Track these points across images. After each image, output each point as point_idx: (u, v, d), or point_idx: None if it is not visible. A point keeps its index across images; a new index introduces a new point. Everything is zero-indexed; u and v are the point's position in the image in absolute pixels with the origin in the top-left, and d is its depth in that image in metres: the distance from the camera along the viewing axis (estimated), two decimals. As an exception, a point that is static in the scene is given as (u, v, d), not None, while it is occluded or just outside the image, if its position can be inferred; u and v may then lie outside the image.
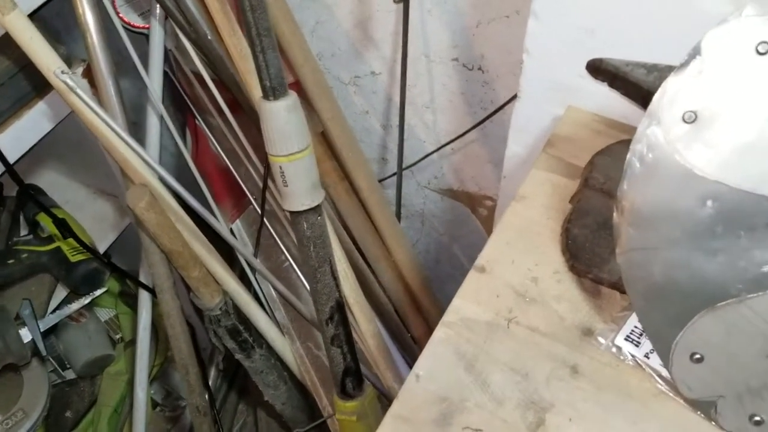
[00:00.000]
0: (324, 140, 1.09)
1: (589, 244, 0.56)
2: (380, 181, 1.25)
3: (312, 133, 1.06)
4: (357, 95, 1.17)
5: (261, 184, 1.06)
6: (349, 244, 1.12)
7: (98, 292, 1.12)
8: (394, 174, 1.18)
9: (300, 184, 0.72)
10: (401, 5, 0.93)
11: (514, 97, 0.74)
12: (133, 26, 0.93)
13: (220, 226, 0.93)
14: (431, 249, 1.41)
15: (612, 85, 0.48)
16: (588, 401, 0.49)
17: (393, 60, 1.06)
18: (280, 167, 0.71)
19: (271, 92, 0.65)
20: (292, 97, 0.66)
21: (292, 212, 0.75)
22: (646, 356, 0.50)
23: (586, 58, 0.51)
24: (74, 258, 1.09)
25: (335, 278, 0.84)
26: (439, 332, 0.53)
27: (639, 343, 0.51)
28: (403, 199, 1.31)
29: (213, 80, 0.97)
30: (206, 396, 1.22)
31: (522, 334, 0.52)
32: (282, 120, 0.67)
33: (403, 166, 1.17)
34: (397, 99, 1.10)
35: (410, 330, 1.25)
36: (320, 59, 1.12)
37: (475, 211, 1.26)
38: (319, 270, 0.83)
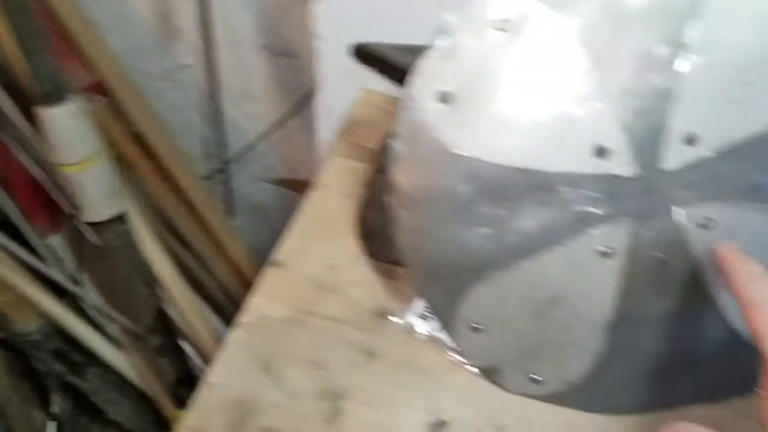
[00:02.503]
0: (138, 141, 1.03)
1: (382, 228, 0.57)
2: (208, 177, 1.21)
3: (123, 135, 1.00)
4: (171, 90, 1.12)
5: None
6: (178, 247, 1.08)
7: None
8: (221, 169, 1.15)
9: (95, 194, 0.68)
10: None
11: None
12: None
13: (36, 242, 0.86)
14: (275, 241, 1.39)
15: (379, 70, 0.48)
16: (384, 383, 0.49)
17: (203, 51, 1.02)
18: (68, 177, 0.66)
19: (47, 98, 0.60)
20: (74, 102, 0.61)
21: (90, 223, 0.70)
22: (437, 330, 0.51)
23: (376, 39, 0.51)
24: None
25: (151, 287, 0.81)
26: (233, 335, 0.51)
27: (429, 318, 0.52)
28: (238, 193, 1.28)
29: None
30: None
31: (320, 325, 0.52)
32: (63, 127, 0.62)
33: (229, 159, 1.14)
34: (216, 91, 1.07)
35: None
36: (125, 56, 1.05)
37: (310, 199, 1.25)
38: (132, 280, 0.79)
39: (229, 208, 1.20)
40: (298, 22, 0.92)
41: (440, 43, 0.42)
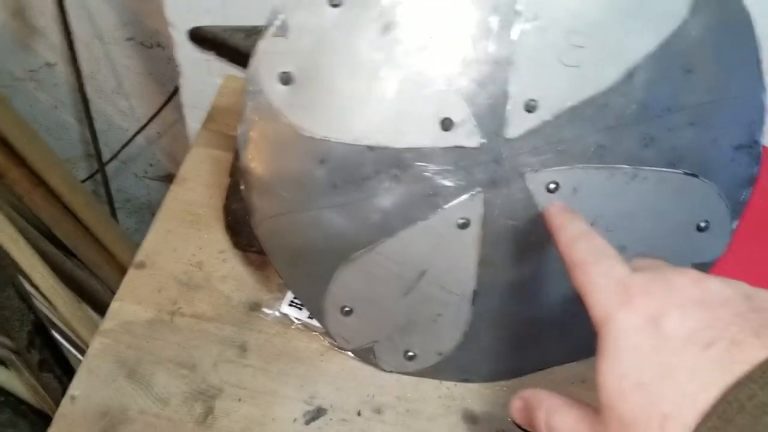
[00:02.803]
0: (5, 147, 0.97)
1: (247, 217, 0.55)
2: (90, 177, 1.15)
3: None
4: (39, 90, 1.06)
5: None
6: (59, 255, 1.02)
7: None
8: (99, 170, 1.09)
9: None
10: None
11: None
12: None
13: None
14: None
15: (218, 53, 0.46)
16: (257, 377, 0.48)
17: (65, 48, 0.97)
18: None
19: None
20: None
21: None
22: (310, 318, 0.50)
23: (226, 23, 0.49)
24: None
25: (25, 299, 0.76)
26: (95, 344, 0.49)
27: (302, 306, 0.51)
28: (125, 192, 1.23)
29: None
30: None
31: (187, 325, 0.50)
32: None
33: (109, 157, 1.08)
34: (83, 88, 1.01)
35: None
36: (-21, 57, 0.99)
37: (200, 193, 1.21)
38: (2, 296, 0.74)
39: (114, 209, 1.15)
40: (157, 11, 0.87)
41: (276, 22, 0.41)
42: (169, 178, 1.19)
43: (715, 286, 0.31)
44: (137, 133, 1.03)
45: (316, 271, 0.46)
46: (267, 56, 0.42)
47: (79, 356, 0.99)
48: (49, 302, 0.94)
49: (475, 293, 0.45)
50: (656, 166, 0.41)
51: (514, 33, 0.39)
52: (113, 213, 1.17)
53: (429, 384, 0.48)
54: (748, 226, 0.46)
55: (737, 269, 0.43)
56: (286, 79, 0.42)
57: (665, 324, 0.30)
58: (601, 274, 0.33)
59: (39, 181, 1.00)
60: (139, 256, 0.53)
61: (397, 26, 0.40)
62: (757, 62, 0.40)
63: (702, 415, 0.26)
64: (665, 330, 0.29)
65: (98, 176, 1.12)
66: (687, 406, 0.27)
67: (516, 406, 0.39)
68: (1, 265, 0.72)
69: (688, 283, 0.31)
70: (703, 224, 0.42)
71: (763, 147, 0.42)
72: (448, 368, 0.48)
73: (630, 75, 0.39)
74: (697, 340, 0.28)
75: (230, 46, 0.45)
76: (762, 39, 0.39)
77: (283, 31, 0.41)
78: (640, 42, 0.39)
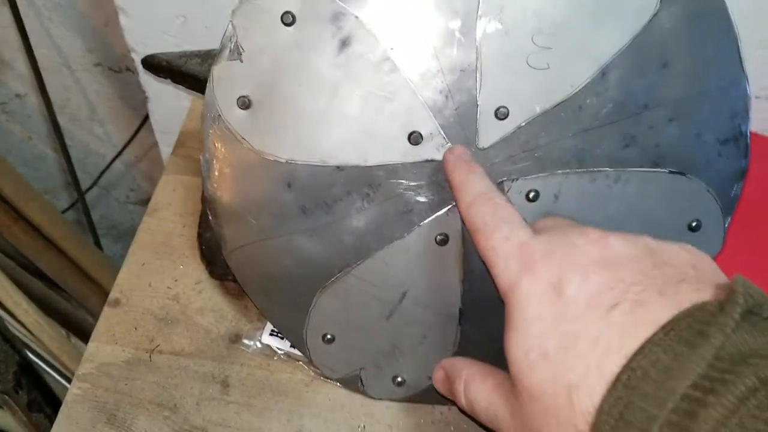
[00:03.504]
0: (-22, 183, 0.95)
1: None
2: (71, 206, 1.13)
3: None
4: (11, 122, 1.03)
5: None
6: (44, 289, 1.00)
7: None
8: (79, 198, 1.07)
9: None
10: (13, 18, 0.81)
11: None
12: None
13: None
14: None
15: (174, 80, 0.44)
16: (242, 414, 0.46)
17: (33, 78, 0.95)
18: None
19: None
20: None
21: None
22: (293, 347, 0.48)
23: (187, 45, 0.47)
24: None
25: (9, 340, 0.74)
26: (73, 390, 0.47)
27: (283, 335, 0.49)
28: (108, 219, 1.21)
29: None
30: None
31: (166, 362, 0.48)
32: None
33: (89, 185, 1.06)
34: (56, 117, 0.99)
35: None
36: (-54, 93, 0.97)
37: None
38: (-18, 338, 0.72)
39: (97, 237, 1.12)
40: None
41: (230, 45, 0.39)
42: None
43: (616, 244, 0.30)
44: (114, 159, 1.01)
45: (292, 299, 0.44)
46: (223, 81, 0.40)
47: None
48: (36, 338, 0.92)
49: (461, 312, 0.43)
50: (640, 167, 0.39)
51: (478, 38, 0.38)
52: (97, 241, 1.15)
53: (421, 410, 0.46)
54: (743, 218, 0.44)
55: (734, 263, 0.41)
56: (244, 103, 0.40)
57: (566, 289, 0.28)
58: (501, 240, 0.32)
59: (18, 216, 0.98)
60: (114, 293, 0.51)
61: (354, 40, 0.38)
62: (737, 50, 0.38)
63: (608, 383, 0.25)
64: (566, 296, 0.28)
65: (79, 205, 1.10)
66: (592, 375, 0.26)
67: (438, 376, 0.39)
68: (-20, 307, 0.70)
69: (589, 243, 0.30)
70: (694, 224, 0.40)
71: (752, 134, 0.40)
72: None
73: (603, 73, 0.37)
74: (598, 304, 0.27)
75: (186, 73, 0.43)
76: (740, 24, 0.37)
77: (237, 54, 0.39)
78: (611, 38, 0.37)
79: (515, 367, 0.30)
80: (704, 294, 0.26)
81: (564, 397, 0.27)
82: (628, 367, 0.25)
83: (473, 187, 0.36)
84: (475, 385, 0.35)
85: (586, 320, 0.27)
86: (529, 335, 0.29)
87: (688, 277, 0.28)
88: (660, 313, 0.26)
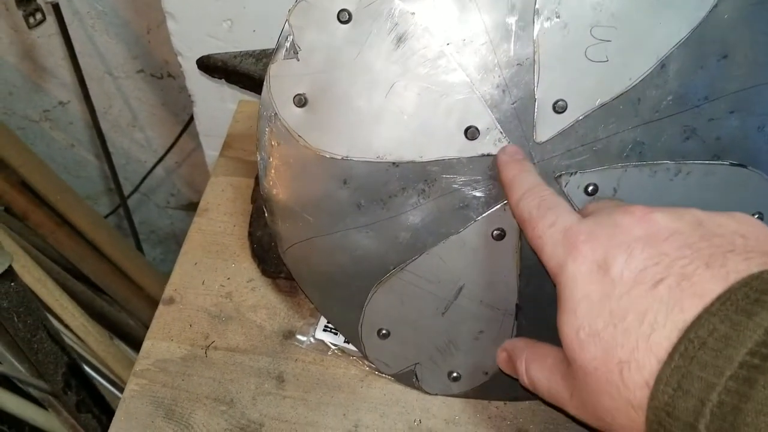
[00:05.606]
0: (25, 190, 0.97)
1: (273, 244, 0.54)
2: (113, 212, 1.15)
3: (8, 186, 0.94)
4: (55, 130, 1.06)
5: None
6: (87, 293, 1.02)
7: None
8: (121, 203, 1.09)
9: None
10: (59, 27, 0.83)
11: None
12: None
13: None
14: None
15: (228, 80, 0.45)
16: (297, 408, 0.46)
17: (76, 85, 0.97)
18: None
19: None
20: None
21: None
22: (346, 342, 0.49)
23: (233, 48, 0.48)
24: None
25: (58, 342, 0.75)
26: (130, 386, 0.48)
27: (337, 331, 0.49)
28: (149, 224, 1.22)
29: None
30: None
31: (222, 359, 0.49)
32: None
33: (130, 191, 1.08)
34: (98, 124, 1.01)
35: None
36: (-6, 102, 0.99)
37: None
38: (34, 339, 0.73)
39: (139, 241, 1.14)
40: (166, 41, 0.87)
41: (286, 44, 0.40)
42: (191, 207, 1.19)
43: (662, 219, 0.30)
44: (156, 164, 1.03)
45: (347, 295, 0.44)
46: (279, 80, 0.40)
47: (117, 393, 0.99)
48: (82, 341, 0.93)
49: (518, 307, 0.43)
50: (700, 160, 0.38)
51: (535, 32, 0.38)
52: (138, 245, 1.17)
53: (477, 405, 0.46)
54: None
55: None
56: (300, 101, 0.40)
57: (611, 268, 0.29)
58: (547, 227, 0.33)
59: (62, 221, 1.00)
60: (168, 291, 0.52)
61: (410, 37, 0.38)
62: (798, 40, 0.37)
63: (658, 357, 0.26)
64: (612, 274, 0.29)
65: (121, 210, 1.12)
66: (641, 350, 0.27)
67: (501, 357, 0.40)
68: (31, 308, 0.71)
69: (634, 221, 0.30)
70: (756, 216, 0.40)
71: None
72: (496, 387, 0.46)
73: (662, 66, 0.37)
74: (643, 280, 0.28)
75: (241, 72, 0.44)
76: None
77: (293, 52, 0.40)
78: (670, 30, 0.37)
79: (568, 346, 0.30)
80: (752, 263, 0.26)
81: (616, 373, 0.28)
82: (685, 338, 0.25)
83: (522, 183, 0.36)
84: (536, 365, 0.36)
85: (632, 297, 0.28)
86: (578, 315, 0.30)
87: (736, 246, 0.28)
88: (706, 285, 0.26)
